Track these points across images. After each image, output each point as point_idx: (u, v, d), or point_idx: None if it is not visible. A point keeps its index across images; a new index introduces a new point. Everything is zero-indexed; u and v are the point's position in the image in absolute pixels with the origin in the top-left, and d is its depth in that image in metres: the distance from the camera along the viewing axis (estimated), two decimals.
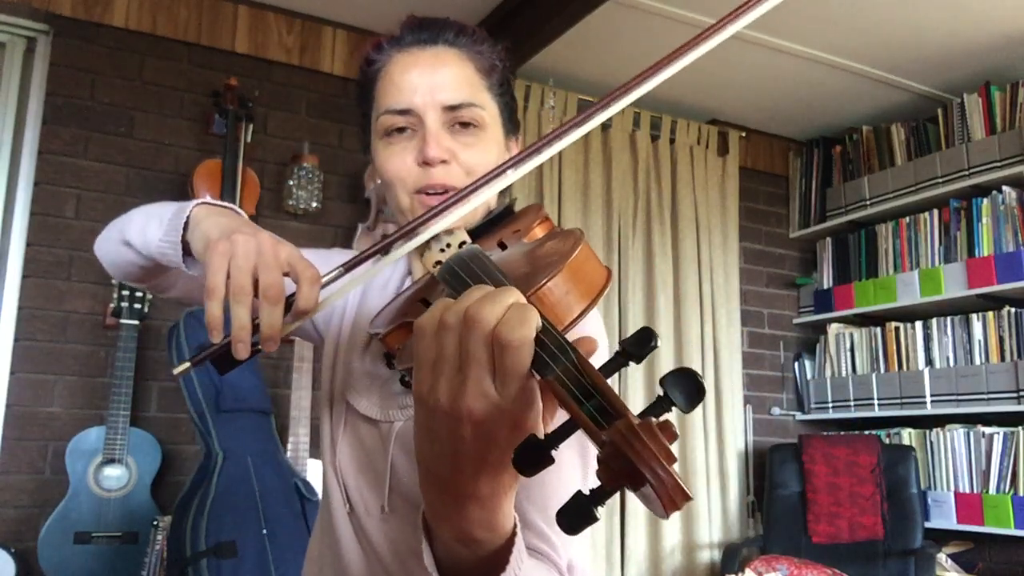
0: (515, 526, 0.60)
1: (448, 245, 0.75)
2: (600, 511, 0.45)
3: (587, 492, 0.45)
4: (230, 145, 2.69)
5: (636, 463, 0.42)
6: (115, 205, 2.64)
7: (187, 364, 0.73)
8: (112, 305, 2.44)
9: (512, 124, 0.96)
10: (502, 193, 0.91)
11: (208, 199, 0.85)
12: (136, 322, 2.42)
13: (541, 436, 0.48)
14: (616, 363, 0.50)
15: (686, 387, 0.46)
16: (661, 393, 0.46)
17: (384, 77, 0.90)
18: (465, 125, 0.88)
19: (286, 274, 0.72)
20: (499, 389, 0.50)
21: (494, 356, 0.50)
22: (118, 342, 2.40)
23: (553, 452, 0.47)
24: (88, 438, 2.37)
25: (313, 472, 2.52)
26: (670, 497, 0.42)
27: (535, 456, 0.47)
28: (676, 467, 0.43)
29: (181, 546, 2.23)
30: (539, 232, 0.77)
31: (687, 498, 0.42)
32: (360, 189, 2.98)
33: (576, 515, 0.45)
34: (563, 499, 0.46)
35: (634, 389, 3.29)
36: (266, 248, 0.71)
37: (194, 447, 2.58)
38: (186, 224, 0.82)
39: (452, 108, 0.87)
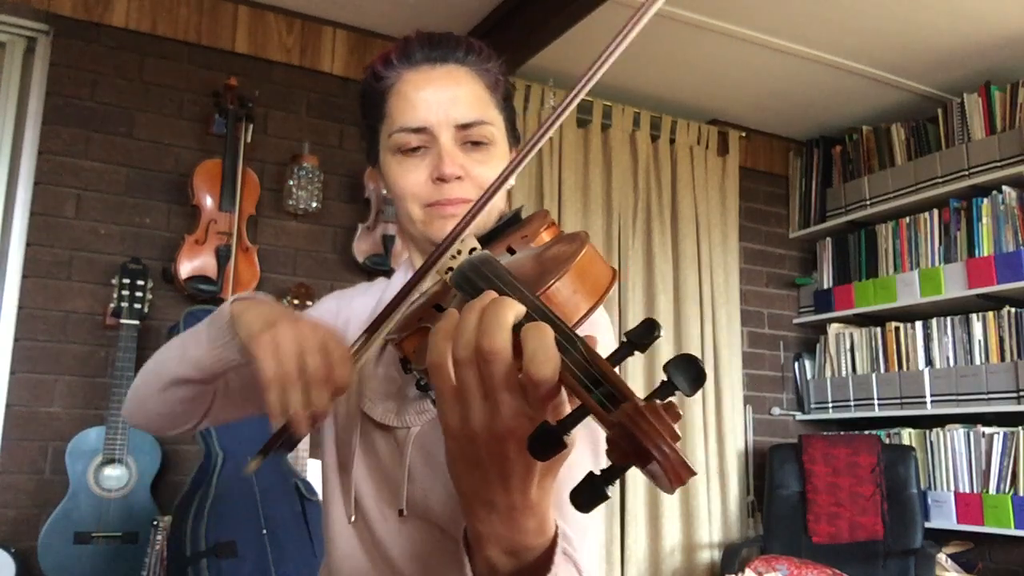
0: (556, 526, 0.61)
1: (459, 252, 0.77)
2: (611, 490, 0.47)
3: (598, 472, 0.47)
4: (230, 145, 2.69)
5: (643, 441, 0.45)
6: (115, 205, 2.64)
7: (259, 458, 0.81)
8: (112, 305, 2.44)
9: (514, 135, 0.98)
10: (510, 200, 0.95)
11: (241, 294, 0.91)
12: (136, 322, 2.42)
13: (553, 423, 0.50)
14: (622, 352, 0.52)
15: (688, 371, 0.49)
16: (664, 379, 0.49)
17: (396, 94, 0.92)
18: (477, 143, 0.91)
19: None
20: (532, 404, 0.52)
21: (523, 382, 0.51)
22: (118, 342, 2.40)
23: (565, 438, 0.49)
24: (88, 438, 2.37)
25: (313, 472, 2.52)
26: (675, 472, 0.45)
27: (550, 441, 0.49)
28: (679, 446, 0.46)
29: (181, 546, 2.23)
30: (546, 237, 0.80)
31: (691, 473, 0.45)
32: (360, 189, 2.98)
33: (590, 494, 0.47)
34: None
35: (635, 384, 3.28)
36: (305, 332, 0.77)
37: (194, 447, 2.58)
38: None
39: (465, 126, 0.90)
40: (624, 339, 0.52)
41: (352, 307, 1.06)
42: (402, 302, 0.78)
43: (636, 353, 0.52)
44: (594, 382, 0.50)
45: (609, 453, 0.47)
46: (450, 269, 0.76)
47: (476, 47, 0.94)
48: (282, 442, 0.79)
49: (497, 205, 0.93)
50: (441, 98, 0.90)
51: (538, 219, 0.85)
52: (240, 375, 0.99)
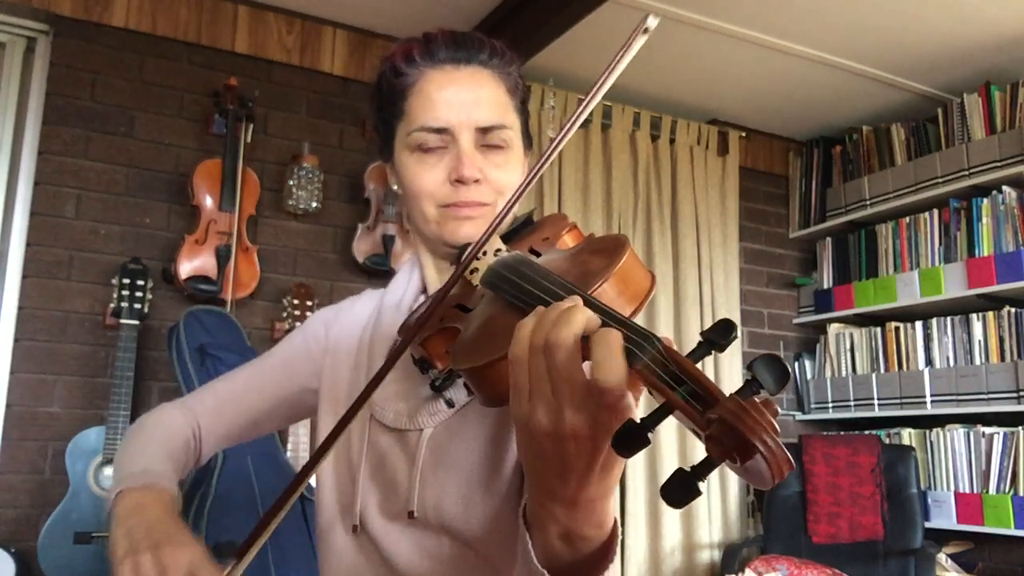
0: (615, 523, 0.63)
1: (484, 252, 0.77)
2: (703, 485, 0.48)
3: (688, 468, 0.48)
4: (230, 145, 2.69)
5: (749, 436, 0.46)
6: (115, 205, 2.64)
7: None
8: (112, 305, 2.44)
9: (527, 139, 0.98)
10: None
11: (129, 486, 0.93)
12: (136, 322, 2.42)
13: (637, 420, 0.50)
14: (701, 351, 0.53)
15: (774, 370, 0.49)
16: (749, 377, 0.50)
17: (418, 92, 0.91)
18: (495, 146, 0.91)
19: None
20: (598, 408, 0.53)
21: (590, 387, 0.52)
22: (118, 342, 2.40)
23: (650, 435, 0.50)
24: (88, 438, 2.37)
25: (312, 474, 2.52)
26: (779, 466, 0.46)
27: (634, 439, 0.49)
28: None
29: None
30: (569, 240, 0.80)
31: (792, 466, 0.47)
32: (360, 189, 2.98)
33: (681, 489, 0.48)
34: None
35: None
36: (168, 566, 0.78)
37: None
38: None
39: (485, 129, 0.90)
40: (701, 338, 0.53)
41: (341, 323, 1.06)
42: (427, 320, 0.78)
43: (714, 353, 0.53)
44: (676, 380, 0.50)
45: (708, 449, 0.47)
46: (474, 270, 0.76)
47: (499, 49, 0.94)
48: None
49: (513, 211, 0.93)
50: (464, 99, 0.89)
51: (558, 221, 0.85)
52: (222, 417, 1.07)
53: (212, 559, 0.79)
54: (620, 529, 0.63)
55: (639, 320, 0.60)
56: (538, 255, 0.78)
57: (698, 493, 0.48)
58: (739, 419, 0.46)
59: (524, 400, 0.56)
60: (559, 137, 0.72)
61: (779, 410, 0.49)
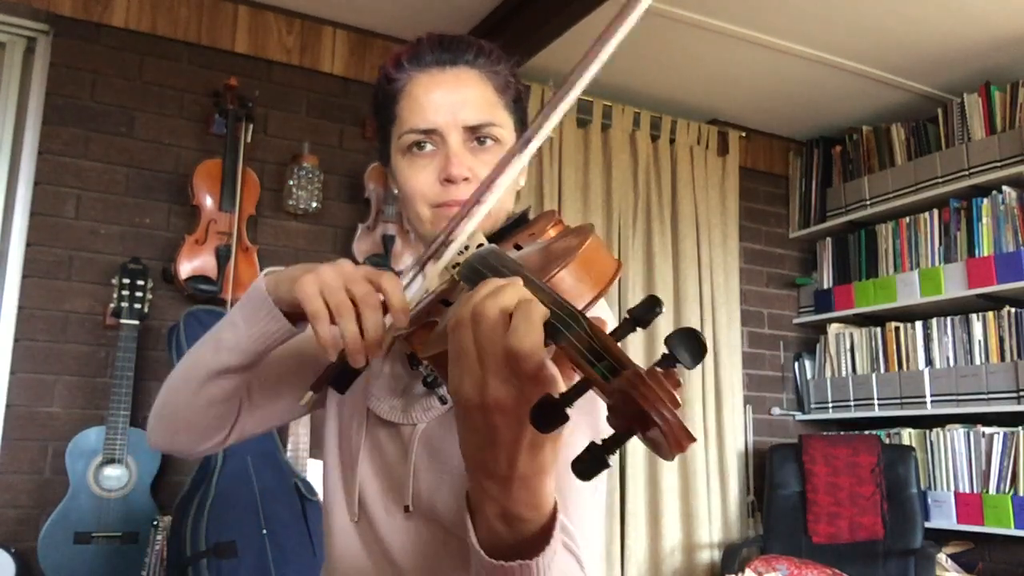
0: (555, 507, 0.63)
1: (467, 247, 0.79)
2: (612, 459, 0.48)
3: (599, 442, 0.48)
4: (230, 145, 2.69)
5: (643, 405, 0.46)
6: (115, 205, 2.64)
7: (310, 394, 0.83)
8: (112, 305, 2.44)
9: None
10: (518, 202, 0.98)
11: (269, 270, 0.91)
12: (136, 322, 2.42)
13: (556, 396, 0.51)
14: (623, 329, 0.53)
15: (689, 344, 0.50)
16: (665, 351, 0.50)
17: (406, 96, 0.93)
18: (483, 142, 0.92)
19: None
20: (519, 378, 0.54)
21: (507, 353, 0.53)
22: (118, 342, 2.40)
23: (568, 410, 0.50)
24: (88, 438, 2.37)
25: (313, 472, 2.52)
26: (676, 438, 0.45)
27: (550, 413, 0.50)
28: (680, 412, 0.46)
29: (181, 546, 2.23)
30: (552, 233, 0.83)
31: (691, 439, 0.46)
32: (360, 189, 2.98)
33: (591, 461, 0.49)
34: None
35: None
36: (347, 267, 0.78)
37: None
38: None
39: (473, 128, 0.92)
40: (626, 316, 0.53)
41: None
42: (440, 249, 0.79)
43: (638, 330, 0.53)
44: (597, 356, 0.51)
45: (610, 421, 0.48)
46: (457, 265, 0.78)
47: (486, 50, 0.96)
48: (337, 376, 0.79)
49: (506, 207, 0.94)
50: (450, 100, 0.91)
51: (545, 218, 0.88)
52: (267, 372, 1.01)
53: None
54: (559, 518, 0.63)
55: (611, 307, 0.61)
56: (520, 249, 0.81)
57: (606, 466, 0.48)
58: (635, 388, 0.46)
59: (455, 371, 0.57)
60: (554, 100, 0.71)
61: (682, 382, 0.49)
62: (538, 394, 0.52)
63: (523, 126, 0.99)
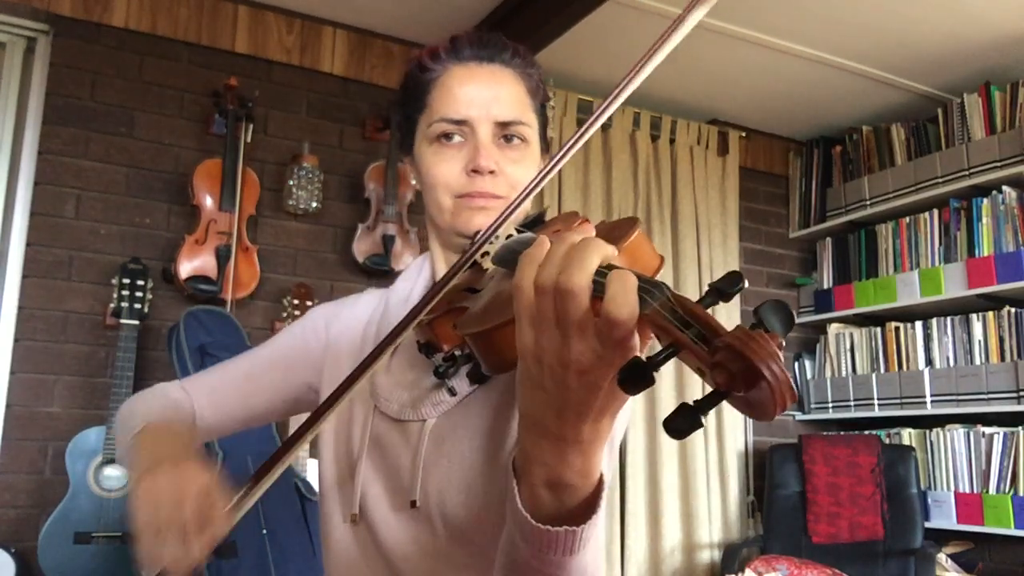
0: (601, 477, 0.63)
1: (496, 237, 0.80)
2: (704, 419, 0.48)
3: (692, 403, 0.48)
4: (230, 145, 2.69)
5: (755, 361, 0.46)
6: (115, 205, 2.64)
7: None
8: (112, 305, 2.44)
9: (544, 142, 1.02)
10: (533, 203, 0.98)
11: (156, 425, 0.97)
12: (136, 322, 2.42)
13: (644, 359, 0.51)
14: (708, 299, 0.53)
15: (780, 314, 0.51)
16: (755, 321, 0.50)
17: (441, 86, 0.95)
18: (510, 139, 0.94)
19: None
20: (604, 343, 0.53)
21: (599, 323, 0.53)
22: (118, 342, 2.40)
23: (655, 374, 0.50)
24: (88, 438, 2.37)
25: (313, 472, 2.52)
26: (782, 394, 0.45)
27: (640, 376, 0.50)
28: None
29: None
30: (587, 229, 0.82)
31: (795, 397, 0.47)
32: (360, 189, 2.98)
33: (685, 419, 0.48)
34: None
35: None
36: (186, 479, 0.77)
37: None
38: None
39: (504, 124, 0.93)
40: (710, 287, 0.54)
41: (342, 320, 1.07)
42: (433, 298, 0.77)
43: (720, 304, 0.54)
44: (684, 323, 0.51)
45: (715, 378, 0.48)
46: (485, 254, 0.78)
47: (521, 52, 0.98)
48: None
49: (524, 206, 0.95)
50: (484, 94, 0.93)
51: (568, 217, 0.89)
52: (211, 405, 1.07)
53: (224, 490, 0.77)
54: (605, 488, 0.63)
55: None
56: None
57: (700, 425, 0.48)
58: (746, 344, 0.46)
59: (527, 334, 0.57)
60: (601, 108, 0.73)
61: (783, 344, 0.49)
62: (620, 358, 0.53)
63: (544, 131, 1.01)
